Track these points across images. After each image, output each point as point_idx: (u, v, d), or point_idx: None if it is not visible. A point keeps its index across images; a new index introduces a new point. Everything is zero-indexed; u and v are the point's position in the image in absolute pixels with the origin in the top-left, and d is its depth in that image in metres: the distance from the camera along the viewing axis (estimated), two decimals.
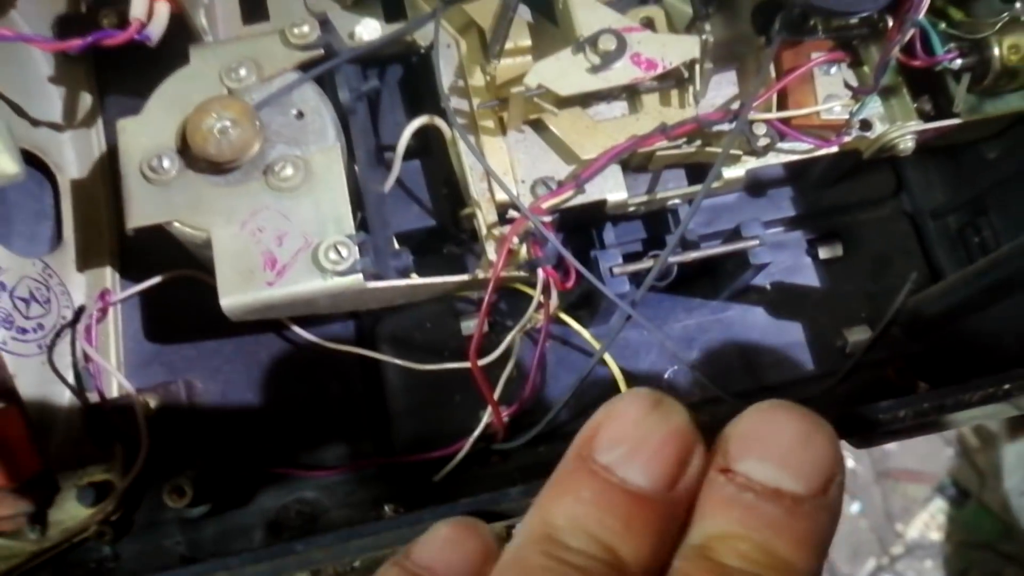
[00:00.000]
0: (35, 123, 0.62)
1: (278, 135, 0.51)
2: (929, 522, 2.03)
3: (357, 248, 0.48)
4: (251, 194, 0.49)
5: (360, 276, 0.48)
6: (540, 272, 0.51)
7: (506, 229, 0.53)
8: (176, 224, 0.49)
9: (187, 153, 0.50)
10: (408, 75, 0.61)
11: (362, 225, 0.52)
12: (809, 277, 0.63)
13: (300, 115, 0.52)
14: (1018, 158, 0.58)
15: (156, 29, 0.51)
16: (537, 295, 0.51)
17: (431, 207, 0.59)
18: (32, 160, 0.61)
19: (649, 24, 0.59)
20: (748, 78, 0.58)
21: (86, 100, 0.64)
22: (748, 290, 0.62)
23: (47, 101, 0.63)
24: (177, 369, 0.60)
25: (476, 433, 0.55)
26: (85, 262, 0.60)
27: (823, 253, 0.63)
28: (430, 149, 0.59)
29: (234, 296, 0.48)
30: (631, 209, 0.58)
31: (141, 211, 0.49)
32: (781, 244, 0.63)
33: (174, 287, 0.58)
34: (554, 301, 0.52)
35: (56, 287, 0.58)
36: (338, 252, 0.48)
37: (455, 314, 0.62)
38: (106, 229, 0.62)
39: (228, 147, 0.49)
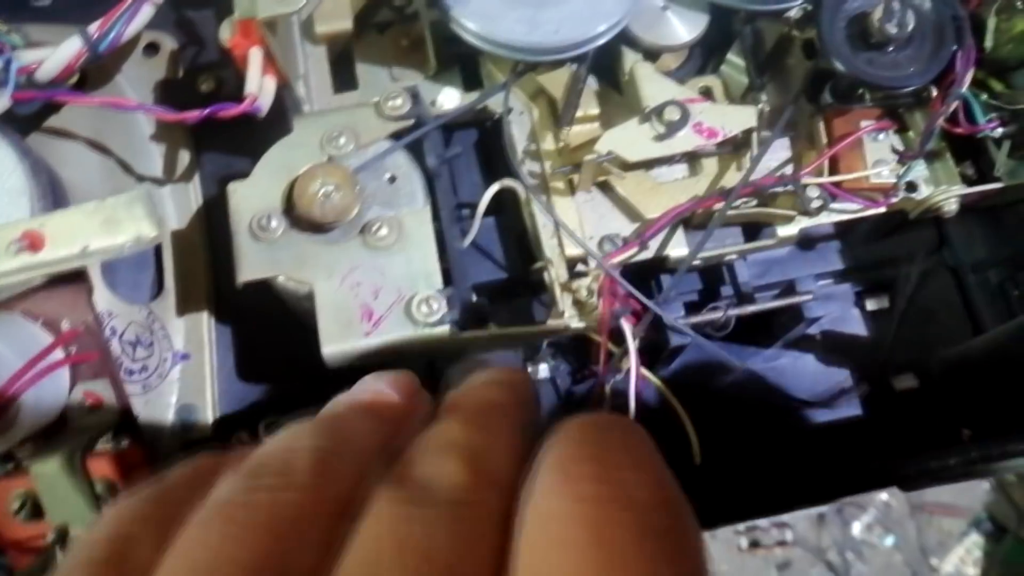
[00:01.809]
0: (139, 179, 0.68)
1: (373, 197, 0.56)
2: (965, 557, 2.03)
3: (446, 301, 0.53)
4: (350, 251, 0.54)
5: (448, 327, 0.53)
6: (624, 322, 0.55)
7: (581, 282, 0.58)
8: (281, 278, 0.54)
9: (292, 214, 0.55)
10: (483, 138, 0.66)
11: (445, 278, 0.57)
12: (857, 327, 0.67)
13: (393, 179, 0.57)
14: None
15: (265, 101, 0.57)
16: (631, 344, 0.55)
17: (504, 262, 0.64)
18: None
19: (708, 93, 0.64)
20: (801, 143, 0.63)
21: (184, 157, 0.70)
22: (800, 339, 0.66)
23: (149, 159, 0.69)
24: (264, 409, 0.65)
25: None
26: (184, 308, 0.65)
27: (870, 305, 0.67)
28: (503, 207, 0.63)
29: (335, 345, 0.53)
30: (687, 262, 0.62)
31: (251, 267, 0.54)
32: (830, 296, 0.67)
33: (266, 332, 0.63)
34: (633, 350, 0.56)
35: (158, 331, 0.64)
36: (429, 305, 0.53)
37: (523, 359, 0.66)
38: (203, 277, 0.67)
39: (331, 210, 0.54)
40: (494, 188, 0.59)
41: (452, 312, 0.53)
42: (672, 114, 0.57)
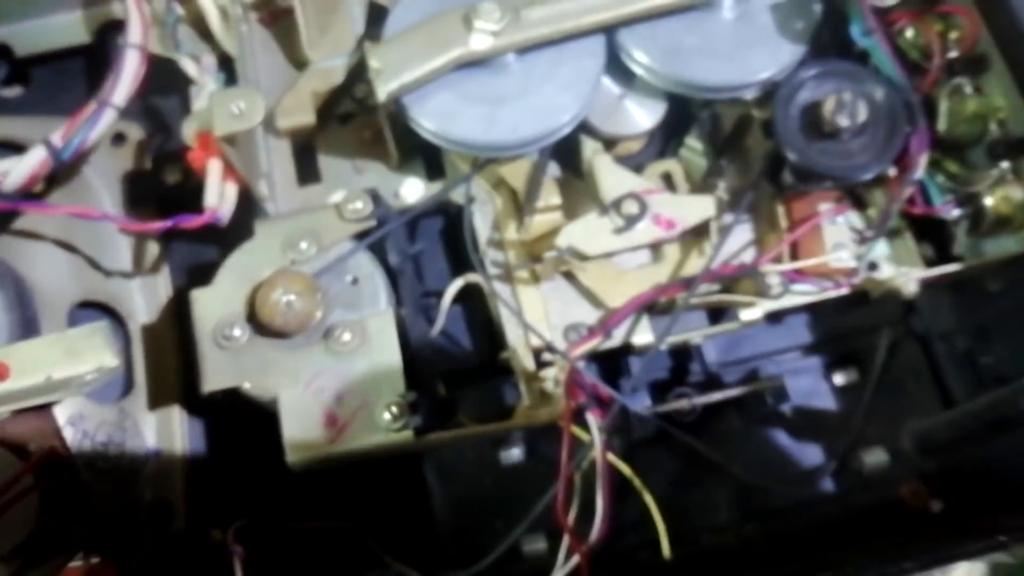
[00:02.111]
0: (107, 274, 0.68)
1: (336, 300, 0.57)
2: (971, 570, 2.02)
3: (408, 407, 0.54)
4: (313, 357, 0.55)
5: (411, 433, 0.53)
6: (590, 415, 0.56)
7: (548, 372, 0.58)
8: (247, 385, 0.55)
9: (255, 321, 0.55)
10: (448, 225, 0.67)
11: (409, 372, 0.57)
12: (827, 402, 0.67)
13: (355, 281, 0.57)
14: (1018, 294, 0.63)
15: (226, 210, 0.57)
16: (596, 438, 0.55)
17: (472, 347, 0.64)
18: (105, 310, 0.67)
19: (668, 178, 0.64)
20: (762, 225, 0.63)
21: (152, 249, 0.70)
22: (770, 415, 0.66)
23: (116, 253, 0.69)
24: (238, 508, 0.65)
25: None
26: (155, 402, 0.66)
27: (838, 379, 0.68)
28: (469, 295, 0.64)
29: (299, 453, 0.53)
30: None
31: (215, 376, 0.55)
32: (798, 370, 0.67)
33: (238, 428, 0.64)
34: (598, 442, 0.57)
35: (130, 428, 0.64)
36: (392, 412, 0.53)
37: (493, 443, 0.66)
38: (174, 372, 0.67)
39: (294, 318, 0.54)
40: (457, 284, 0.60)
41: (415, 418, 0.54)
42: (631, 207, 0.58)
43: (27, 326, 0.58)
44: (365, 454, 0.54)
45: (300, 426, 0.53)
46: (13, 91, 0.79)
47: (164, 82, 0.71)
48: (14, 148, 0.69)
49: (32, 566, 0.48)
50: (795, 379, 0.67)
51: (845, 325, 0.69)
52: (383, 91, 0.57)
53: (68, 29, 0.76)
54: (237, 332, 0.55)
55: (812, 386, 0.68)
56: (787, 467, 0.66)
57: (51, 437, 0.50)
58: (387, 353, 0.55)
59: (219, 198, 0.57)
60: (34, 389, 0.47)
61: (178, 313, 0.69)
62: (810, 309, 0.68)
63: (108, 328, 0.49)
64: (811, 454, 0.66)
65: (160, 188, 0.70)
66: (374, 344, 0.55)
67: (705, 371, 0.65)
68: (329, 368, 0.55)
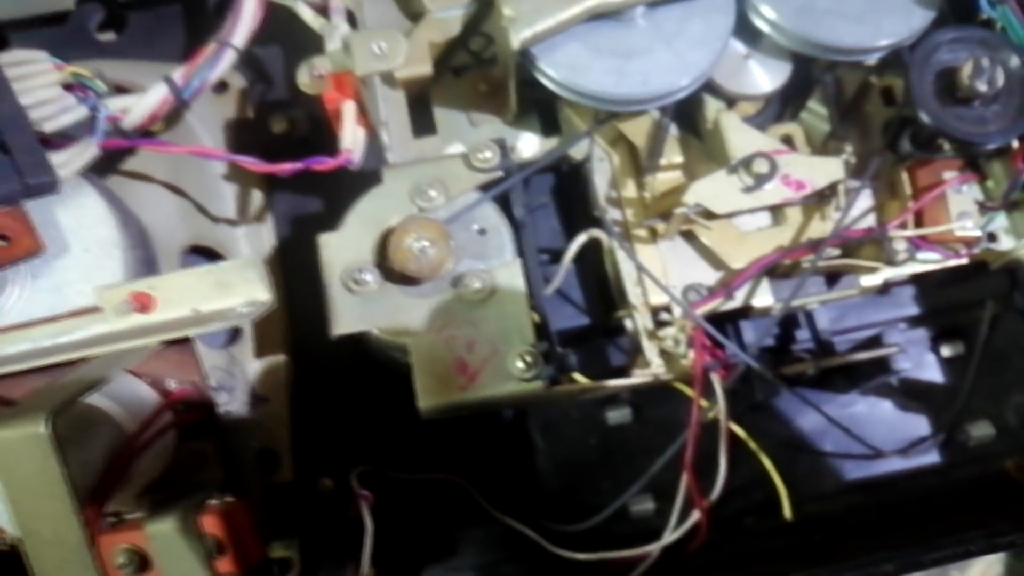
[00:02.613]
0: (215, 220, 0.67)
1: (464, 250, 0.56)
2: (986, 571, 2.03)
3: (541, 357, 0.53)
4: (443, 305, 0.54)
5: (543, 383, 0.53)
6: (714, 376, 0.55)
7: (667, 331, 0.58)
8: (376, 331, 0.54)
9: (385, 267, 0.55)
10: (560, 183, 0.66)
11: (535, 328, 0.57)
12: (933, 374, 0.67)
13: (482, 231, 0.57)
14: None
15: (358, 154, 0.57)
16: (721, 400, 0.55)
17: (584, 307, 0.64)
18: (213, 255, 0.67)
19: (789, 141, 0.64)
20: (882, 192, 0.63)
21: (257, 197, 0.70)
22: (879, 386, 0.66)
23: (223, 200, 0.68)
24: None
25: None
26: (261, 351, 0.65)
27: (945, 351, 0.68)
28: (583, 254, 0.63)
29: (431, 399, 0.53)
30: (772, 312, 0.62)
31: (345, 320, 0.54)
32: (906, 341, 0.67)
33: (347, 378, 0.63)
34: (722, 403, 0.56)
35: (239, 375, 0.64)
36: (524, 361, 0.53)
37: (600, 403, 0.66)
38: (279, 320, 0.67)
39: (427, 264, 0.54)
40: (581, 239, 0.59)
41: (547, 368, 0.53)
42: (761, 167, 0.57)
43: (150, 265, 0.57)
44: (496, 402, 0.54)
45: (431, 373, 0.53)
46: (108, 36, 0.77)
47: (267, 32, 0.70)
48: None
49: (168, 502, 0.48)
50: (904, 355, 0.67)
51: (950, 298, 0.69)
52: (516, 39, 0.56)
53: None
54: (368, 277, 0.55)
55: (919, 357, 0.68)
56: (895, 437, 0.66)
57: (192, 372, 0.50)
58: (516, 303, 0.55)
59: (353, 141, 0.56)
60: (181, 321, 0.46)
61: (283, 263, 0.69)
62: (917, 281, 0.68)
63: (261, 263, 0.48)
64: (918, 425, 0.66)
65: (264, 137, 0.70)
66: (503, 294, 0.55)
67: (816, 338, 0.65)
68: (459, 316, 0.54)
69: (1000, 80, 0.56)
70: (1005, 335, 0.68)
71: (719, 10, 0.59)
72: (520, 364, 0.53)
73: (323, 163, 0.55)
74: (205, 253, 0.66)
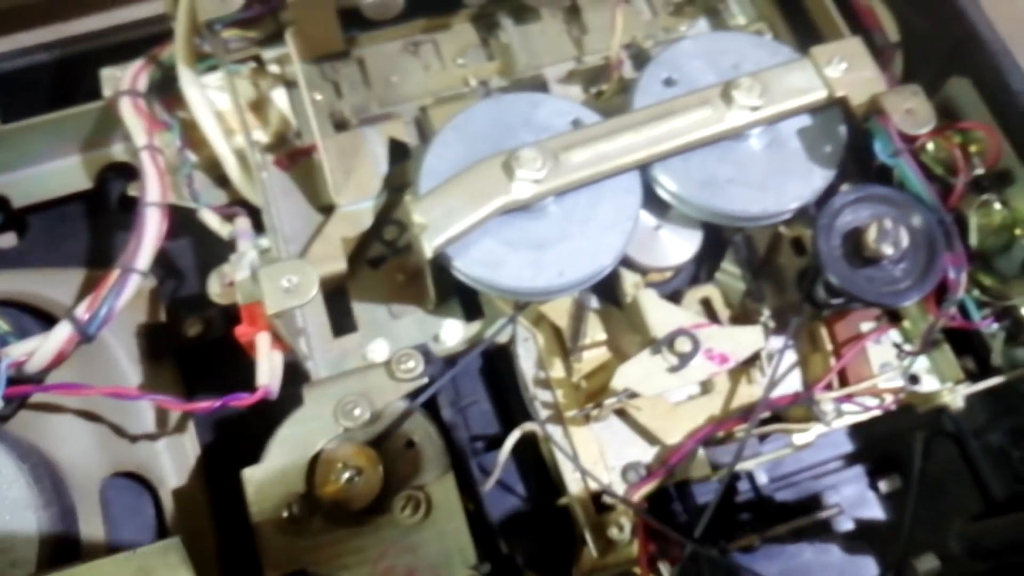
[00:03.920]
0: (133, 440, 0.65)
1: (394, 467, 0.55)
2: None
3: None
4: (379, 533, 0.53)
5: None
6: (663, 566, 0.55)
7: (610, 517, 0.57)
8: (312, 568, 0.52)
9: (315, 499, 0.53)
10: (485, 365, 0.65)
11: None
12: (874, 511, 0.68)
13: (411, 444, 0.56)
14: None
15: (277, 383, 0.55)
16: None
17: (526, 494, 0.63)
18: (134, 478, 0.64)
19: (707, 303, 0.64)
20: (804, 346, 0.64)
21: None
22: (823, 529, 0.66)
23: (140, 417, 0.66)
24: None
25: None
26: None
27: (883, 487, 0.68)
28: (520, 442, 0.62)
29: None
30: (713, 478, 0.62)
31: (278, 561, 0.52)
32: (844, 481, 0.68)
33: None
34: None
35: None
36: None
37: None
38: (208, 535, 0.64)
39: (356, 495, 0.52)
40: (514, 436, 0.59)
41: None
42: (683, 345, 0.58)
43: (66, 518, 0.54)
44: None
45: None
46: (8, 240, 0.75)
47: (174, 226, 0.69)
48: (16, 307, 0.66)
49: None
50: (843, 490, 0.68)
51: (882, 431, 0.70)
52: (430, 247, 0.55)
53: (67, 176, 0.73)
54: (296, 511, 0.53)
55: (860, 496, 0.69)
56: None
57: None
58: (453, 520, 0.53)
59: (270, 373, 0.55)
60: None
61: (208, 472, 0.66)
62: None
63: (181, 546, 0.46)
64: (866, 567, 0.67)
65: (179, 341, 0.68)
66: (440, 512, 0.53)
67: (755, 491, 0.65)
68: (396, 542, 0.53)
69: (904, 240, 0.57)
70: (939, 461, 0.69)
71: (625, 191, 0.60)
72: None
73: (241, 399, 0.54)
74: (128, 476, 0.64)
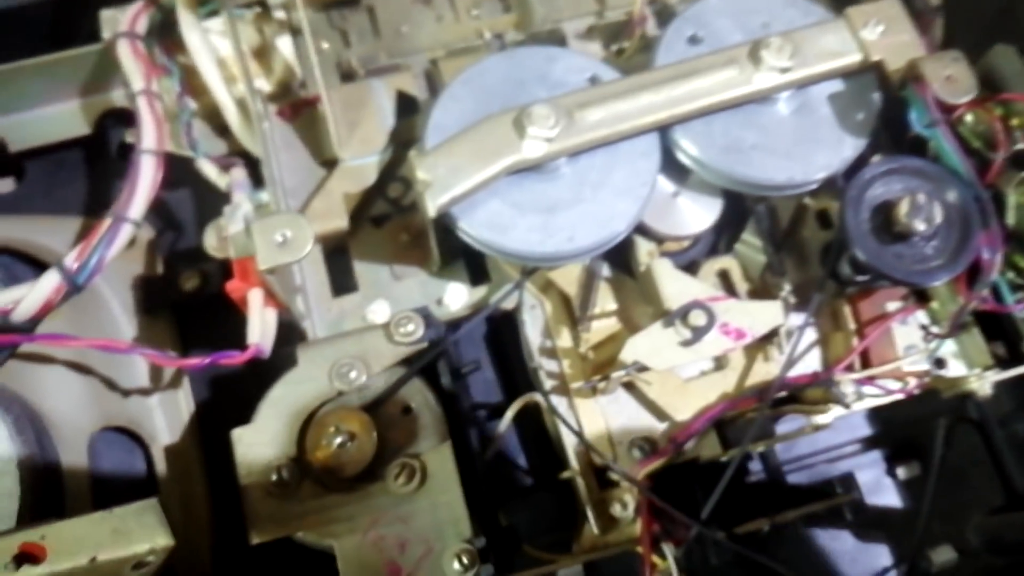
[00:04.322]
0: (125, 395, 0.63)
1: (389, 434, 0.52)
2: None
3: (479, 554, 0.50)
4: (370, 501, 0.51)
5: None
6: (667, 546, 0.52)
7: (614, 494, 0.55)
8: (299, 535, 0.50)
9: (306, 463, 0.51)
10: (492, 330, 0.63)
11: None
12: (890, 498, 0.65)
13: (407, 410, 0.53)
14: None
15: (269, 341, 0.53)
16: (673, 569, 0.52)
17: (526, 467, 0.60)
18: (126, 433, 0.62)
19: (724, 275, 0.61)
20: (825, 325, 0.60)
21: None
22: (835, 515, 0.63)
23: (133, 371, 0.64)
24: None
25: None
26: (186, 533, 0.61)
27: (902, 473, 0.65)
28: (523, 411, 0.60)
29: None
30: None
31: (265, 526, 0.50)
32: (861, 466, 0.65)
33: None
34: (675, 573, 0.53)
35: None
36: (460, 562, 0.49)
37: None
38: (201, 494, 0.62)
39: (348, 460, 0.50)
40: (516, 406, 0.56)
41: (487, 566, 0.50)
42: (697, 318, 0.55)
43: (49, 470, 0.53)
44: None
45: None
46: (6, 186, 0.73)
47: (173, 176, 0.66)
48: (10, 253, 0.64)
49: None
50: (860, 475, 0.65)
51: (903, 415, 0.67)
52: (433, 205, 0.53)
53: (65, 121, 0.70)
54: (286, 475, 0.51)
55: (876, 482, 0.66)
56: (856, 571, 0.63)
57: None
58: (449, 491, 0.51)
59: (262, 331, 0.52)
60: (77, 572, 0.42)
61: (202, 430, 0.65)
62: None
63: (159, 506, 0.44)
64: (880, 555, 0.64)
65: (176, 294, 0.65)
66: (434, 482, 0.51)
67: (768, 472, 0.63)
68: (388, 512, 0.50)
69: (938, 216, 0.54)
70: (961, 450, 0.66)
71: (643, 154, 0.57)
72: (456, 566, 0.49)
73: (232, 357, 0.51)
74: (119, 431, 0.62)
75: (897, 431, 0.66)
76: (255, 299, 0.52)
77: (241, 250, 0.51)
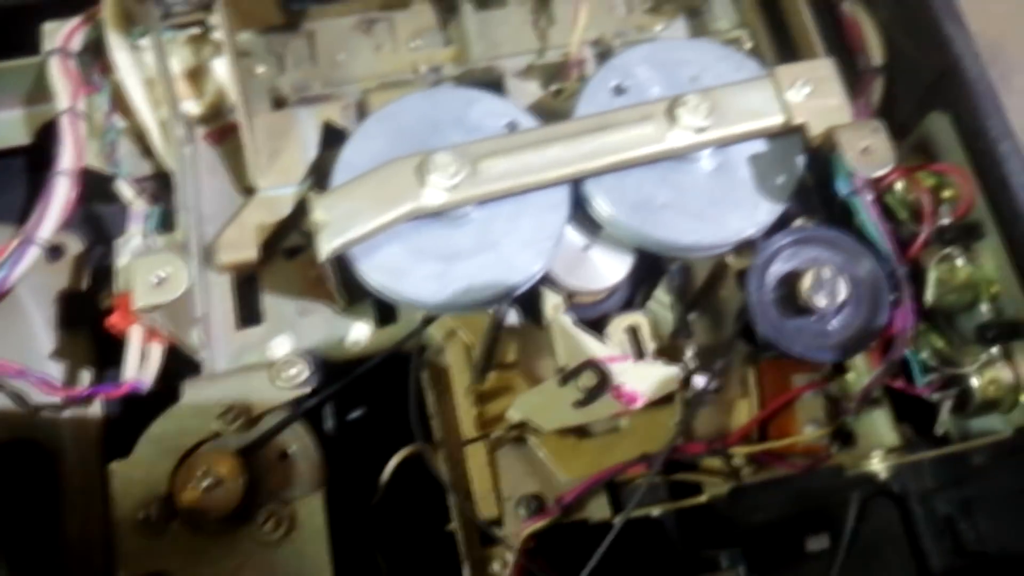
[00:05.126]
0: (36, 409, 0.63)
1: (263, 478, 0.52)
2: None
3: None
4: (236, 546, 0.51)
5: None
6: None
7: (495, 551, 0.55)
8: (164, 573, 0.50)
9: (175, 503, 0.51)
10: (393, 373, 0.62)
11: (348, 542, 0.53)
12: (793, 571, 0.63)
13: (284, 456, 0.53)
14: (1003, 474, 0.59)
15: (149, 376, 0.53)
16: None
17: (417, 514, 0.60)
18: (33, 445, 0.63)
19: (633, 331, 0.60)
20: (730, 388, 0.59)
21: (84, 377, 0.66)
22: None
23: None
24: None
25: None
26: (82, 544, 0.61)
27: (810, 545, 0.64)
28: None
29: None
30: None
31: (131, 561, 0.50)
32: (767, 537, 0.63)
33: None
34: None
35: None
36: None
37: None
38: (99, 512, 0.62)
39: (214, 505, 0.50)
40: (401, 455, 0.56)
41: None
42: (589, 379, 0.53)
43: None
44: None
45: None
46: None
47: (108, 189, 0.67)
48: None
49: None
50: (762, 547, 0.63)
51: (816, 484, 0.65)
52: (326, 248, 0.52)
53: (6, 129, 0.71)
54: (156, 513, 0.51)
55: (780, 554, 0.64)
56: None
57: None
58: (315, 544, 0.51)
59: (139, 368, 0.52)
60: None
61: (110, 448, 0.65)
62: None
63: None
64: None
65: (95, 310, 0.66)
66: (302, 532, 0.51)
67: (661, 539, 0.61)
68: (253, 558, 0.50)
69: (842, 293, 0.52)
70: (875, 524, 0.65)
71: (552, 207, 0.56)
72: None
73: (109, 391, 0.52)
74: (26, 443, 0.62)
75: (809, 500, 0.64)
76: (134, 335, 0.52)
77: (125, 284, 0.51)
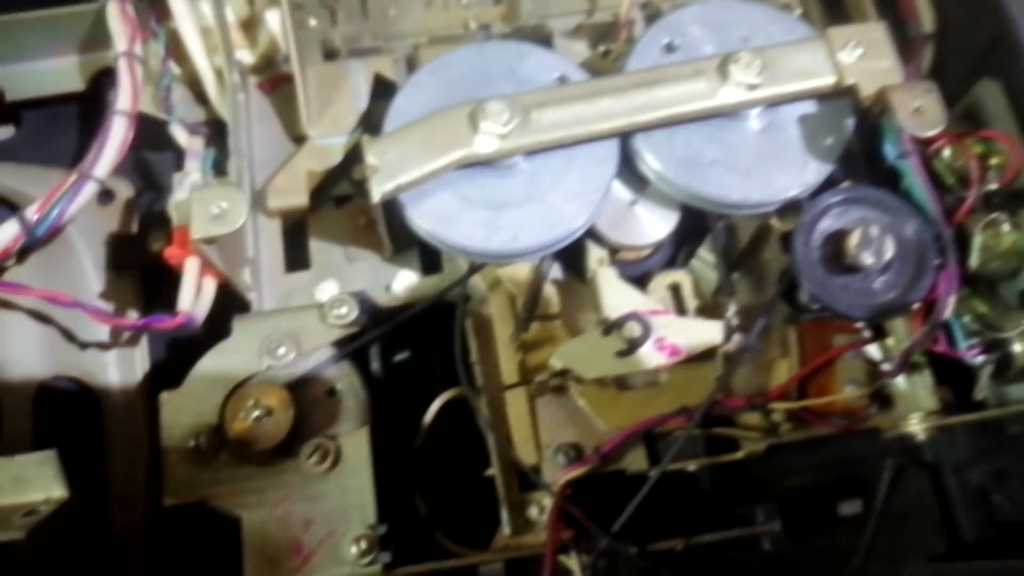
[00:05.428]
0: (83, 346, 0.65)
1: (311, 413, 0.53)
2: None
3: (378, 541, 0.50)
4: (282, 477, 0.52)
5: (379, 568, 0.50)
6: (574, 555, 0.52)
7: (534, 496, 0.55)
8: (210, 502, 0.52)
9: (224, 433, 0.52)
10: (441, 322, 0.63)
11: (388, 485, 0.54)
12: (827, 535, 0.64)
13: (332, 392, 0.54)
14: None
15: (202, 311, 0.54)
16: None
17: (456, 461, 0.61)
18: (77, 383, 0.64)
19: (675, 289, 0.60)
20: (771, 348, 0.59)
21: (132, 317, 0.67)
22: (753, 544, 0.62)
23: (94, 324, 0.65)
24: None
25: None
26: (122, 499, 0.62)
27: (842, 509, 0.64)
28: (460, 402, 0.60)
29: None
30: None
31: (178, 489, 0.52)
32: (799, 499, 0.64)
33: None
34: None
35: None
36: (360, 547, 0.50)
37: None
38: (142, 452, 0.64)
39: (263, 435, 0.51)
40: (439, 402, 0.57)
41: (384, 554, 0.50)
42: (633, 330, 0.54)
43: None
44: None
45: (263, 553, 0.50)
46: (4, 132, 0.75)
47: (158, 137, 0.68)
48: None
49: None
50: (795, 509, 0.64)
51: (852, 450, 0.65)
52: (378, 191, 0.53)
53: (61, 75, 0.72)
54: (204, 442, 0.52)
55: (813, 517, 0.64)
56: None
57: None
58: (359, 478, 0.52)
59: (193, 300, 0.53)
60: None
61: (154, 389, 0.66)
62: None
63: (57, 459, 0.45)
64: None
65: (144, 255, 0.67)
66: (347, 467, 0.52)
67: (695, 491, 0.62)
68: (298, 490, 0.51)
69: (888, 252, 0.53)
70: (908, 493, 0.65)
71: (600, 160, 0.56)
72: (354, 550, 0.50)
73: (163, 322, 0.53)
74: (70, 380, 0.64)
75: (844, 466, 0.65)
76: (190, 268, 0.53)
77: (183, 218, 0.52)
